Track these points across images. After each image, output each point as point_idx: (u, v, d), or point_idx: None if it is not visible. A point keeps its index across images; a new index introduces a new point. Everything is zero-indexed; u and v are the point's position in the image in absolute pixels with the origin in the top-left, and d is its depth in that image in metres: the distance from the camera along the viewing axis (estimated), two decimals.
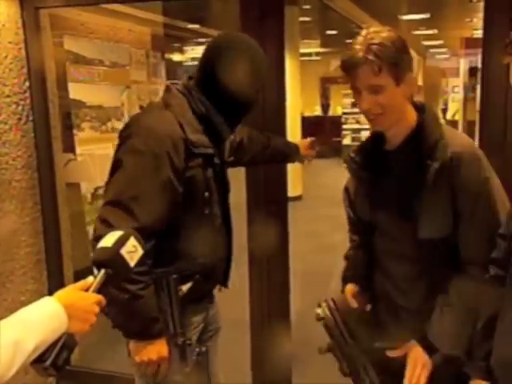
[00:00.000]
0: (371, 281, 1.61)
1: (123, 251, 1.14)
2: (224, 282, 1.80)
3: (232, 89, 1.53)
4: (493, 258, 1.40)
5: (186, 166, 1.51)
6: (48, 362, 1.02)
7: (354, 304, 1.55)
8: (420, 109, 1.49)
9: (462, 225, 1.40)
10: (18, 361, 0.95)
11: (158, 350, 1.50)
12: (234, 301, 2.64)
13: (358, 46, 1.38)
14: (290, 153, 2.23)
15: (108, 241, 1.15)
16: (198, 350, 1.51)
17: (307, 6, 8.34)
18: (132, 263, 1.15)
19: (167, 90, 1.65)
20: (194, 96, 1.59)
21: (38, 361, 1.01)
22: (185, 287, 1.52)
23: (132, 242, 1.16)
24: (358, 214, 1.64)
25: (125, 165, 1.49)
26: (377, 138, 1.55)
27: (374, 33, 1.39)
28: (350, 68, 1.41)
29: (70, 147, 3.09)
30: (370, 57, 1.35)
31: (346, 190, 1.70)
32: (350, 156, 1.59)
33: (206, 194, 1.56)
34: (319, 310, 1.49)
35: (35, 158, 2.83)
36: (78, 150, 3.11)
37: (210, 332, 1.79)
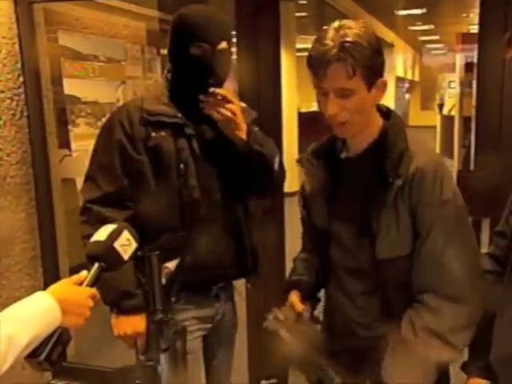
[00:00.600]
0: (319, 290, 1.50)
1: (116, 244, 1.14)
2: (243, 275, 1.75)
3: (179, 58, 1.60)
4: (491, 255, 1.40)
5: (147, 136, 1.57)
6: (42, 357, 1.02)
7: (300, 307, 1.42)
8: (386, 114, 1.37)
9: (417, 246, 1.29)
10: (11, 356, 0.94)
11: (133, 324, 1.53)
12: None
13: (329, 42, 1.21)
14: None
15: (101, 234, 1.15)
16: (175, 328, 1.45)
17: (303, 1, 8.33)
18: (126, 256, 1.15)
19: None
20: (169, 74, 1.67)
21: (32, 355, 1.01)
22: (171, 264, 1.49)
23: (125, 235, 1.16)
24: (313, 220, 1.48)
25: (94, 143, 1.65)
26: (335, 140, 1.43)
27: (347, 28, 1.22)
28: (318, 66, 1.24)
29: (65, 143, 3.08)
30: (344, 56, 1.20)
31: (303, 189, 1.51)
32: (306, 156, 1.45)
33: (181, 165, 1.57)
34: (267, 323, 1.41)
35: (30, 153, 2.81)
36: (74, 145, 3.10)
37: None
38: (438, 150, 10.69)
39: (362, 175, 1.35)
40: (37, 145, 2.82)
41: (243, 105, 1.69)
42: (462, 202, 1.32)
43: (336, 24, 1.25)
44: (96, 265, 1.13)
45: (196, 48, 1.56)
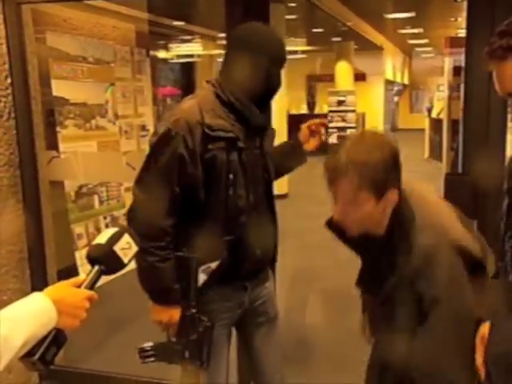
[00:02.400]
0: None
1: (117, 248, 1.15)
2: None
3: (249, 75, 1.68)
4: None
5: (204, 148, 1.66)
6: (36, 357, 1.02)
7: None
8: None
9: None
10: (6, 357, 0.95)
11: (170, 314, 1.72)
12: None
13: (342, 157, 1.34)
14: (294, 151, 2.07)
15: (102, 237, 1.16)
16: (204, 324, 1.67)
17: (293, 4, 8.34)
18: (126, 260, 1.16)
19: (202, 84, 1.85)
20: (222, 86, 1.74)
21: (27, 355, 1.01)
22: (213, 265, 1.68)
23: (126, 238, 1.17)
24: None
25: (150, 146, 1.73)
26: None
27: (361, 144, 1.36)
28: (330, 176, 1.38)
29: (53, 145, 3.06)
30: (352, 173, 1.31)
31: None
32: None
33: (231, 176, 1.70)
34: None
35: (17, 155, 2.79)
36: (62, 147, 3.08)
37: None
38: (426, 153, 10.79)
39: (377, 254, 1.47)
40: (24, 146, 2.79)
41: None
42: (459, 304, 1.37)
43: (353, 139, 1.43)
44: (96, 267, 1.14)
45: (265, 67, 1.69)
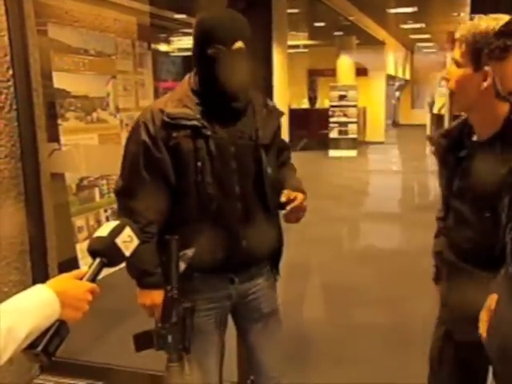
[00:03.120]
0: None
1: (118, 241, 1.16)
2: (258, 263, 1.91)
3: (204, 60, 1.70)
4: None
5: (168, 136, 1.72)
6: (39, 349, 1.03)
7: None
8: None
9: None
10: (10, 348, 0.95)
11: (151, 298, 1.76)
12: None
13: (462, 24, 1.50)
14: None
15: (103, 230, 1.17)
16: (184, 306, 1.71)
17: None
18: (127, 252, 1.17)
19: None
20: (193, 75, 1.80)
21: (30, 347, 1.02)
22: (189, 251, 1.71)
23: (127, 231, 1.18)
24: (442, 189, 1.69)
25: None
26: (464, 126, 1.57)
27: (484, 20, 1.44)
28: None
29: (54, 137, 3.06)
30: (463, 36, 1.45)
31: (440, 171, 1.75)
32: (436, 137, 1.66)
33: (199, 163, 1.72)
34: None
35: (19, 147, 2.79)
36: (63, 139, 3.08)
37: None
38: (427, 149, 10.80)
39: (485, 160, 1.45)
40: (26, 138, 2.79)
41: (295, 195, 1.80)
42: None
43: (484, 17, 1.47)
44: (97, 260, 1.15)
45: (212, 50, 1.67)
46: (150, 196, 1.75)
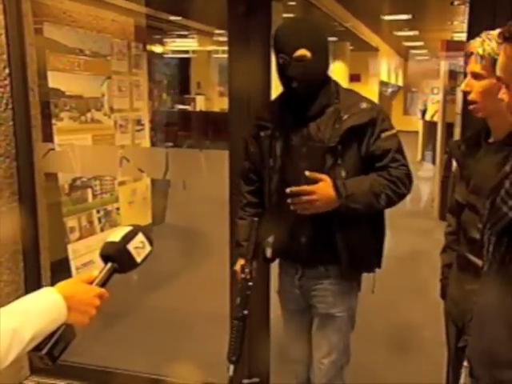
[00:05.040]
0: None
1: (130, 246, 1.15)
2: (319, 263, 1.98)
3: (277, 67, 1.86)
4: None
5: (258, 134, 1.96)
6: (44, 351, 1.03)
7: None
8: None
9: None
10: (15, 349, 0.95)
11: (239, 264, 1.96)
12: (215, 295, 2.64)
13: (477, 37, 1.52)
14: None
15: (116, 235, 1.17)
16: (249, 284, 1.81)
17: (292, 3, 8.34)
18: (139, 259, 1.17)
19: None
20: None
21: (35, 349, 1.02)
22: (270, 238, 1.95)
23: (140, 238, 1.18)
24: (455, 196, 1.71)
25: None
26: (481, 130, 1.62)
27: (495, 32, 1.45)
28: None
29: (48, 136, 3.04)
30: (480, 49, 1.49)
31: (454, 176, 1.77)
32: (455, 143, 1.70)
33: (271, 161, 1.93)
34: None
35: (14, 146, 2.77)
36: (57, 139, 3.07)
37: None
38: (419, 155, 10.85)
39: (497, 157, 1.48)
40: (21, 138, 2.77)
41: (323, 178, 1.83)
42: None
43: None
44: (108, 265, 1.14)
45: (279, 59, 1.82)
46: (248, 182, 2.06)
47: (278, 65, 1.83)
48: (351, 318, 2.03)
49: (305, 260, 1.97)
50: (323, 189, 1.80)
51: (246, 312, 1.72)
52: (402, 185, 1.88)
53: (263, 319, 2.58)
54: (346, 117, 1.84)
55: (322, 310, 2.01)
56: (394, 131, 1.90)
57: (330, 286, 1.97)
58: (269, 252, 1.95)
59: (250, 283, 1.78)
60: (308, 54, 1.79)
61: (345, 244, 1.88)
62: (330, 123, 1.85)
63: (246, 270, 1.78)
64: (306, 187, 1.80)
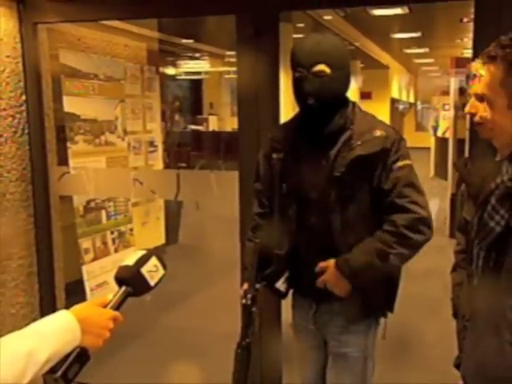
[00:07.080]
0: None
1: (144, 270, 1.17)
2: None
3: (293, 85, 1.77)
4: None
5: (270, 155, 1.88)
6: (58, 374, 1.04)
7: None
8: None
9: None
10: (30, 371, 0.96)
11: (243, 289, 1.80)
12: (228, 314, 2.64)
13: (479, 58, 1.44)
14: None
15: (130, 259, 1.19)
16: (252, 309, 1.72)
17: (301, 24, 8.43)
18: (152, 282, 1.19)
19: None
20: None
21: (50, 372, 1.03)
22: (286, 273, 1.88)
23: (153, 261, 1.19)
24: (463, 214, 1.62)
25: None
26: (489, 148, 1.58)
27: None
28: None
29: (63, 160, 3.10)
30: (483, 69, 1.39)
31: (462, 195, 1.68)
32: (462, 160, 1.65)
33: (284, 186, 1.84)
34: None
35: (29, 170, 2.83)
36: (72, 162, 3.13)
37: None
38: (431, 172, 10.80)
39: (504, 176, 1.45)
40: (37, 162, 2.84)
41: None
42: None
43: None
44: (123, 288, 1.16)
45: (296, 72, 1.73)
46: (260, 204, 1.98)
47: (294, 80, 1.73)
48: (368, 359, 1.90)
49: (319, 295, 1.85)
50: (331, 275, 1.78)
51: (248, 340, 1.63)
52: (414, 232, 1.72)
53: (276, 327, 2.56)
54: (356, 144, 1.73)
55: (335, 349, 1.91)
56: (406, 162, 1.74)
57: (344, 323, 1.86)
58: (283, 287, 1.87)
59: (253, 309, 1.67)
60: (327, 69, 1.69)
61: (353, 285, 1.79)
62: (341, 151, 1.75)
63: (248, 296, 1.68)
64: (319, 281, 1.80)
